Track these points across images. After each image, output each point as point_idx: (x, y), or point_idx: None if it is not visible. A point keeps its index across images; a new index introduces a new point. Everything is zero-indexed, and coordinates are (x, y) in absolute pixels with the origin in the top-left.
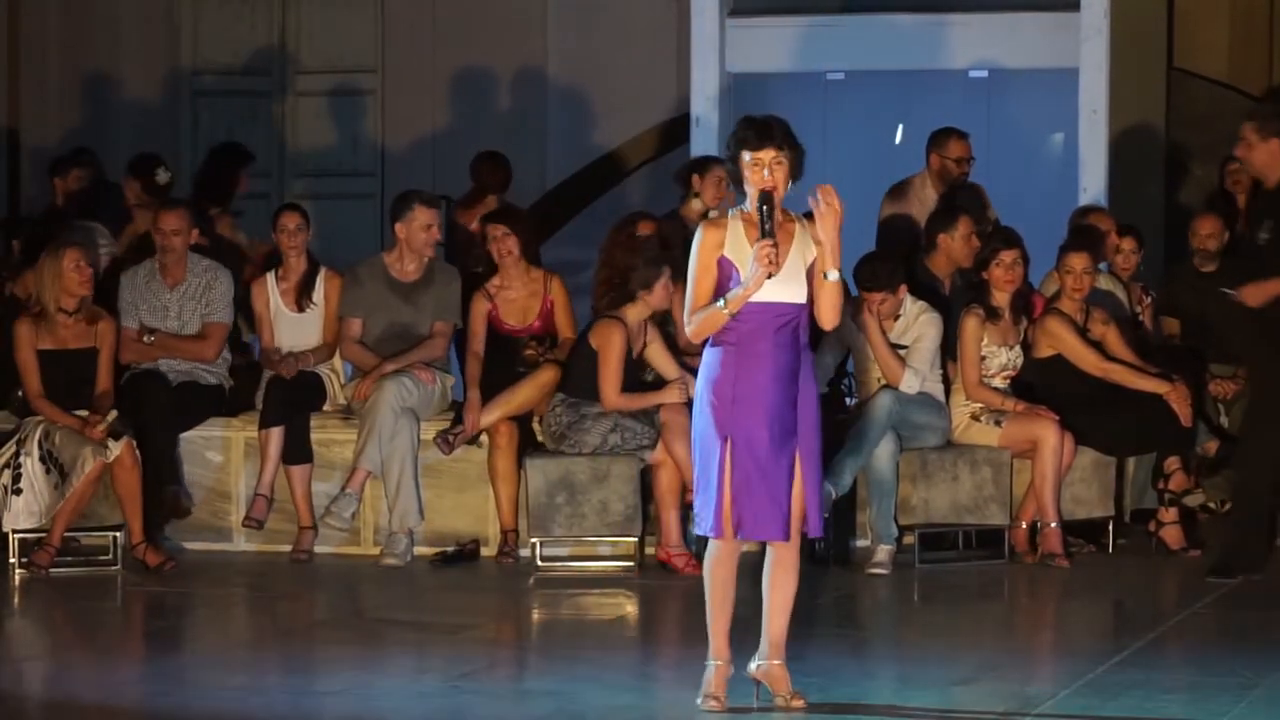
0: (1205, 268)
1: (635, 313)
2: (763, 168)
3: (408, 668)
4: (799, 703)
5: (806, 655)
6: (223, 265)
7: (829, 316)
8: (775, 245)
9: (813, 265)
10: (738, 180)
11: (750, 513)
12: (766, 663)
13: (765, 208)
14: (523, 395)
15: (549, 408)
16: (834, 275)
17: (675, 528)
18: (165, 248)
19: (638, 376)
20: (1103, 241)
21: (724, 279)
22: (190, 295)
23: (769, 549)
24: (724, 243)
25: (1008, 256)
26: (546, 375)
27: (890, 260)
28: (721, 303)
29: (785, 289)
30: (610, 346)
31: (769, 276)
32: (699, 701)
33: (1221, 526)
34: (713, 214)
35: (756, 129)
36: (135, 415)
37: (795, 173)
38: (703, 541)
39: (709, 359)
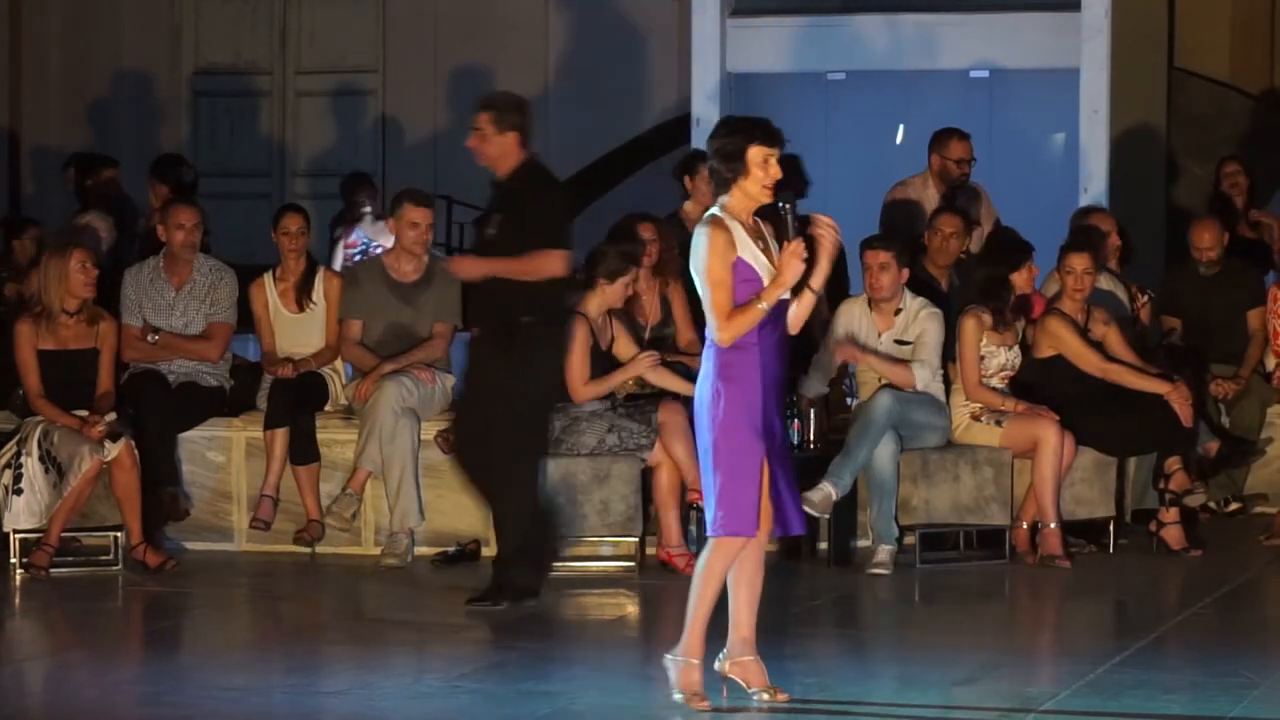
0: (1208, 272)
1: (595, 304)
2: (774, 164)
3: (408, 668)
4: (782, 696)
5: (807, 655)
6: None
7: (798, 327)
8: (803, 244)
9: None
10: (730, 177)
11: (782, 508)
12: (742, 659)
13: (790, 206)
14: None
15: None
16: (819, 290)
17: (676, 528)
18: (176, 243)
19: (610, 369)
20: (1104, 242)
21: (739, 280)
22: (195, 295)
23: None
24: (734, 244)
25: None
26: None
27: (894, 235)
28: (760, 301)
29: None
30: (573, 340)
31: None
32: (681, 699)
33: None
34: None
35: (766, 127)
36: (134, 415)
37: None
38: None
39: (732, 359)
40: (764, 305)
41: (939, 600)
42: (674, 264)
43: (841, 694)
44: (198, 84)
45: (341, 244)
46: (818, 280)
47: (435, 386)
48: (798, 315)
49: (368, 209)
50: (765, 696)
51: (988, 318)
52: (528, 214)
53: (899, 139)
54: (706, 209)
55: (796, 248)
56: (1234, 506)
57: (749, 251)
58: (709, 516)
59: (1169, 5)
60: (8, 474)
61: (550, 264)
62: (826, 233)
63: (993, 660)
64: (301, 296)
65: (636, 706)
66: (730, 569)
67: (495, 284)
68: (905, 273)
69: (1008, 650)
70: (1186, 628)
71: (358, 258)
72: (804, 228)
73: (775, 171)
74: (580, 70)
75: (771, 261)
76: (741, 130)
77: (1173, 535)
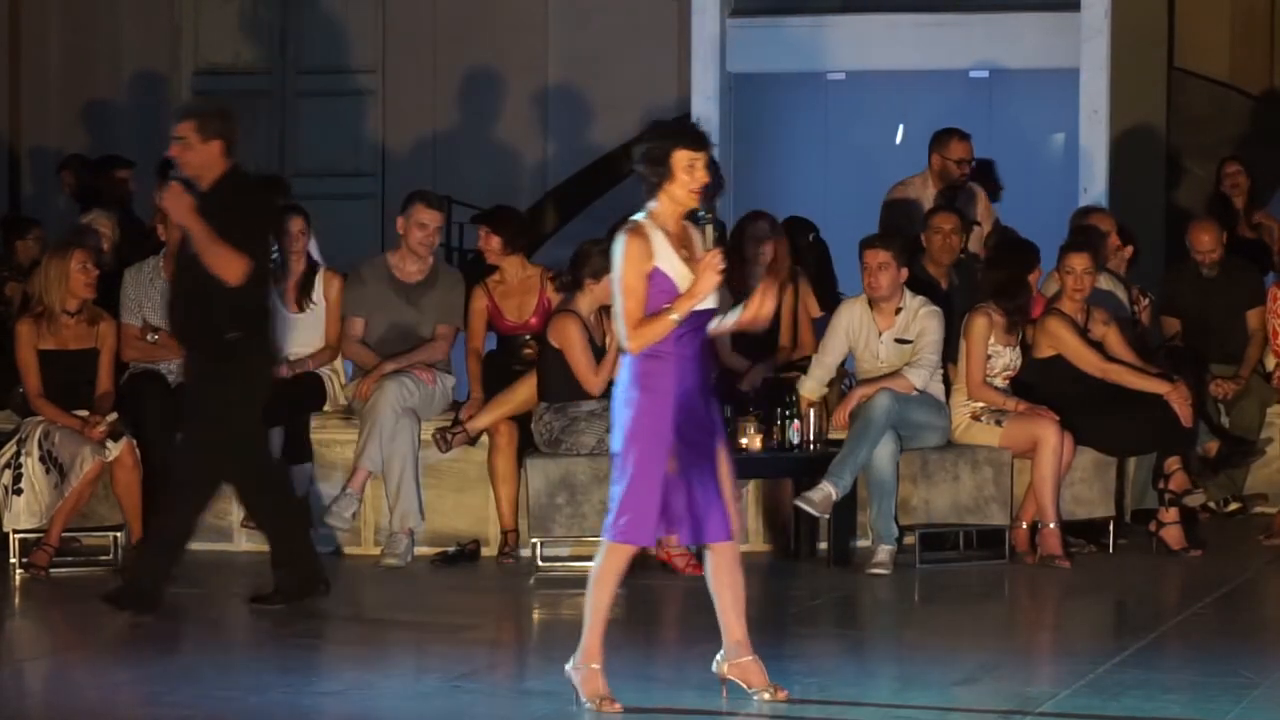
0: (1208, 273)
1: (586, 303)
2: (699, 169)
3: (408, 668)
4: (783, 694)
5: (807, 655)
6: None
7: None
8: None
9: None
10: (655, 182)
11: (695, 517)
12: (740, 661)
13: (707, 213)
14: (521, 394)
15: (536, 417)
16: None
17: None
18: (174, 242)
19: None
20: (1104, 242)
21: (655, 290)
22: None
23: (711, 552)
24: (653, 254)
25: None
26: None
27: (893, 235)
28: (671, 312)
29: (713, 295)
30: (570, 339)
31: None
32: (591, 707)
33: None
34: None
35: (692, 131)
36: (134, 416)
37: None
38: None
39: (647, 368)
40: (674, 316)
41: (939, 600)
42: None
43: (841, 694)
44: (198, 84)
45: None
46: (681, 307)
47: (436, 387)
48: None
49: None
50: (766, 696)
51: (999, 318)
52: (226, 222)
53: (899, 139)
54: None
55: (712, 259)
56: (1234, 506)
57: (667, 260)
58: (608, 520)
59: (1169, 5)
60: (7, 474)
61: (229, 264)
62: (712, 260)
63: (992, 660)
64: (301, 297)
65: (636, 705)
66: (620, 576)
67: (199, 300)
68: (904, 272)
69: (1007, 650)
70: (1186, 628)
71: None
72: (724, 239)
73: (701, 176)
74: (580, 70)
75: (694, 271)
76: (667, 134)
77: (1172, 535)
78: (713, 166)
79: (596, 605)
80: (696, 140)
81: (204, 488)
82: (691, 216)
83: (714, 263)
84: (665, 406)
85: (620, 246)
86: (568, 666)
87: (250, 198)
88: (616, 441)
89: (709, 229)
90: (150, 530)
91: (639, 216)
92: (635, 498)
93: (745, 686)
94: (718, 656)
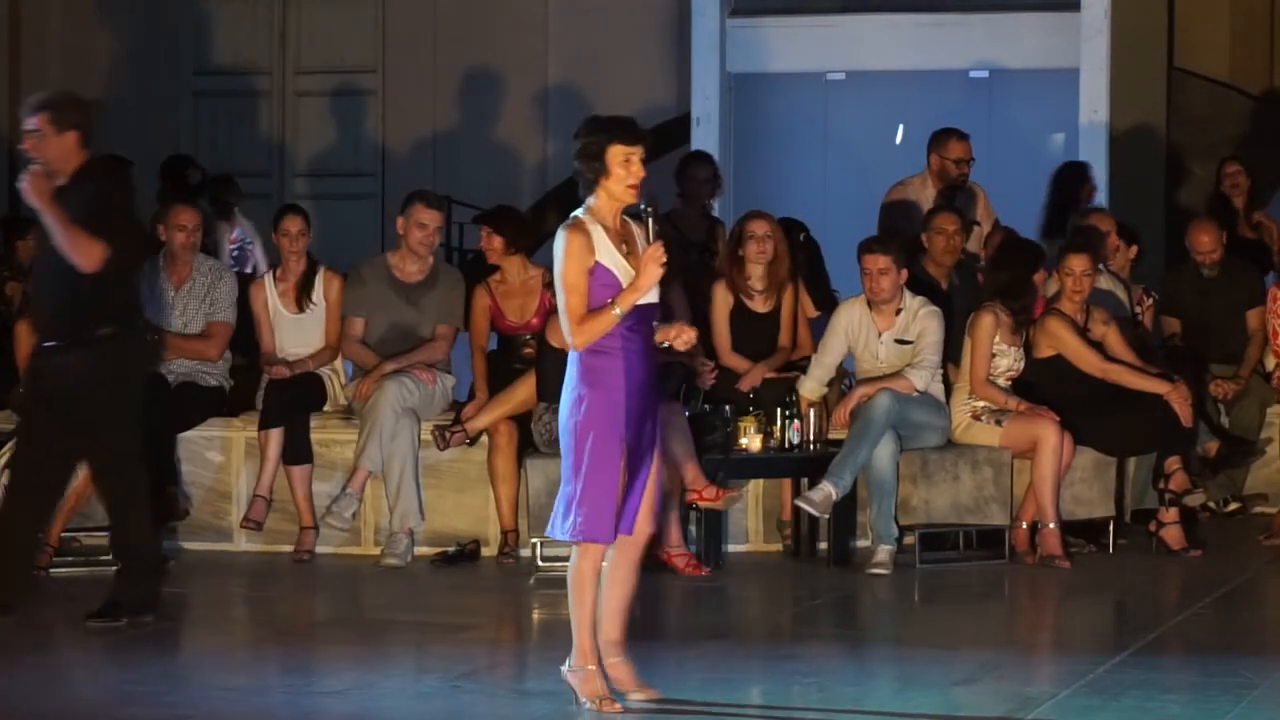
0: (1208, 273)
1: None
2: (635, 163)
3: (408, 668)
4: (653, 692)
5: (807, 655)
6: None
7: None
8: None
9: None
10: (592, 177)
11: (632, 511)
12: (612, 660)
13: (649, 207)
14: (520, 394)
15: (535, 417)
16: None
17: (675, 528)
18: (176, 243)
19: None
20: (1103, 242)
21: (598, 285)
22: (194, 295)
23: (615, 549)
24: (594, 248)
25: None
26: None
27: (892, 236)
28: (614, 307)
29: (655, 290)
30: None
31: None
32: (591, 707)
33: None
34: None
35: (626, 125)
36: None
37: None
38: (710, 542)
39: (595, 364)
40: (617, 311)
41: (939, 600)
42: (672, 263)
43: (841, 694)
44: (197, 84)
45: (226, 241)
46: (624, 301)
47: (436, 387)
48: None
49: (235, 206)
50: (639, 696)
51: (1006, 317)
52: (84, 209)
53: (898, 139)
54: (702, 211)
55: (654, 252)
56: (1234, 506)
57: (608, 255)
58: (565, 521)
59: (1168, 5)
60: (7, 474)
61: (85, 250)
62: (654, 252)
63: (992, 660)
64: (301, 297)
65: (635, 705)
66: (597, 572)
67: (67, 294)
68: (904, 274)
69: (1007, 650)
70: (1186, 628)
71: (236, 253)
72: (664, 232)
73: (637, 170)
74: (580, 70)
75: (635, 265)
76: (602, 129)
77: (1172, 535)
78: (710, 164)
79: (578, 607)
80: (631, 135)
81: (138, 486)
82: (630, 211)
83: (656, 255)
84: (617, 402)
85: (561, 242)
86: (563, 669)
87: (110, 186)
88: (565, 440)
89: (650, 222)
90: (120, 533)
91: (578, 212)
92: (591, 495)
93: (617, 687)
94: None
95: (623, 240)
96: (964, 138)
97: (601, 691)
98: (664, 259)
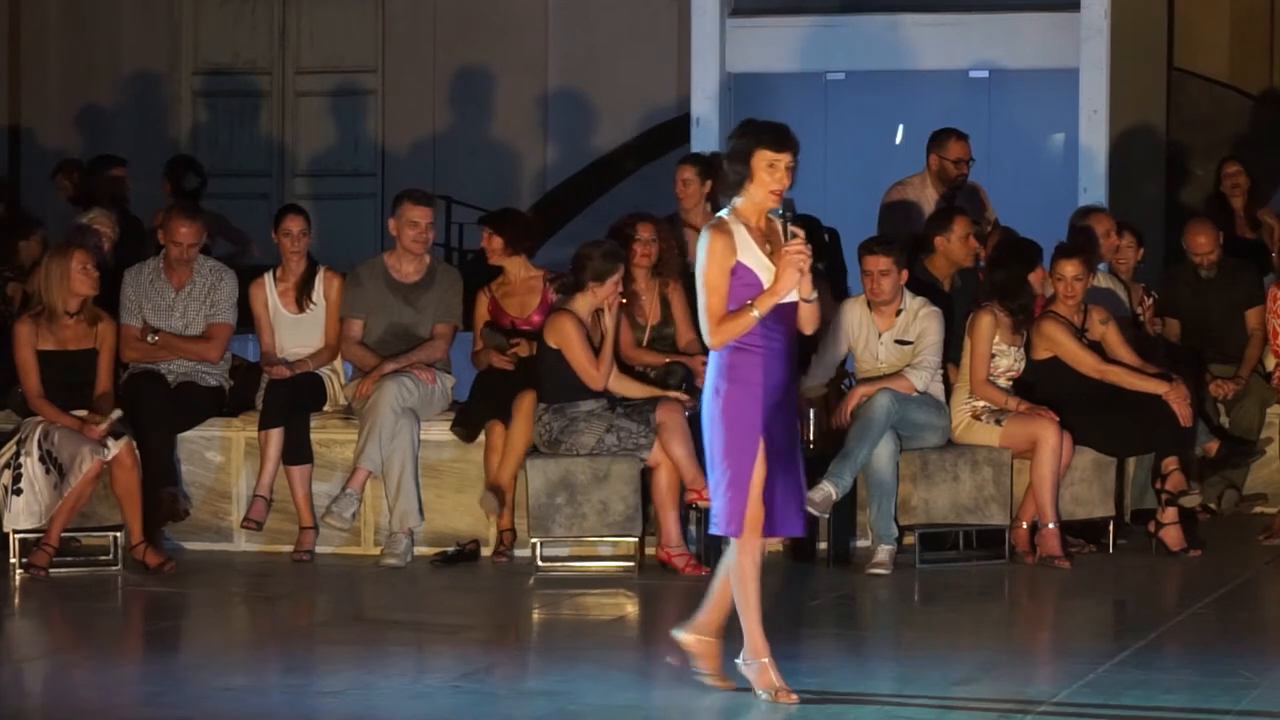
0: (1206, 274)
1: (585, 303)
2: (780, 170)
3: (408, 668)
4: (732, 684)
5: (807, 655)
6: (228, 267)
7: (810, 327)
8: (805, 249)
9: None
10: (738, 181)
11: (779, 510)
12: (706, 639)
13: (788, 212)
14: (520, 437)
15: (535, 417)
16: (814, 296)
17: (675, 528)
18: (173, 254)
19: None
20: (1097, 245)
21: (740, 284)
22: (195, 296)
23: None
24: (735, 248)
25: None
26: (526, 401)
27: (893, 238)
28: (753, 309)
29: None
30: (569, 338)
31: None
32: (767, 698)
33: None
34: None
35: (775, 131)
36: (133, 416)
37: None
38: (710, 541)
39: (735, 360)
40: (755, 314)
41: (938, 600)
42: (674, 264)
43: (841, 693)
44: (197, 84)
45: None
46: (805, 289)
47: (436, 387)
48: (804, 320)
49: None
50: (712, 681)
51: (1004, 317)
52: None
53: (898, 139)
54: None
55: (792, 256)
56: (1232, 506)
57: (750, 255)
58: (716, 516)
59: (1168, 6)
60: (7, 474)
61: None
62: (792, 256)
63: (992, 660)
64: (302, 297)
65: (636, 706)
66: (758, 567)
67: None
68: (904, 274)
69: (1007, 650)
70: (1186, 628)
71: None
72: (805, 235)
73: (780, 176)
74: (580, 70)
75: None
76: (751, 133)
77: (1171, 535)
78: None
79: (742, 602)
80: (779, 141)
81: None
82: (771, 214)
83: (794, 259)
84: (755, 396)
85: (704, 242)
86: (737, 660)
87: None
88: (706, 435)
89: (784, 226)
90: None
91: (723, 213)
92: (726, 490)
93: (697, 662)
94: (684, 623)
95: (767, 240)
96: (963, 138)
97: (777, 683)
98: (802, 262)
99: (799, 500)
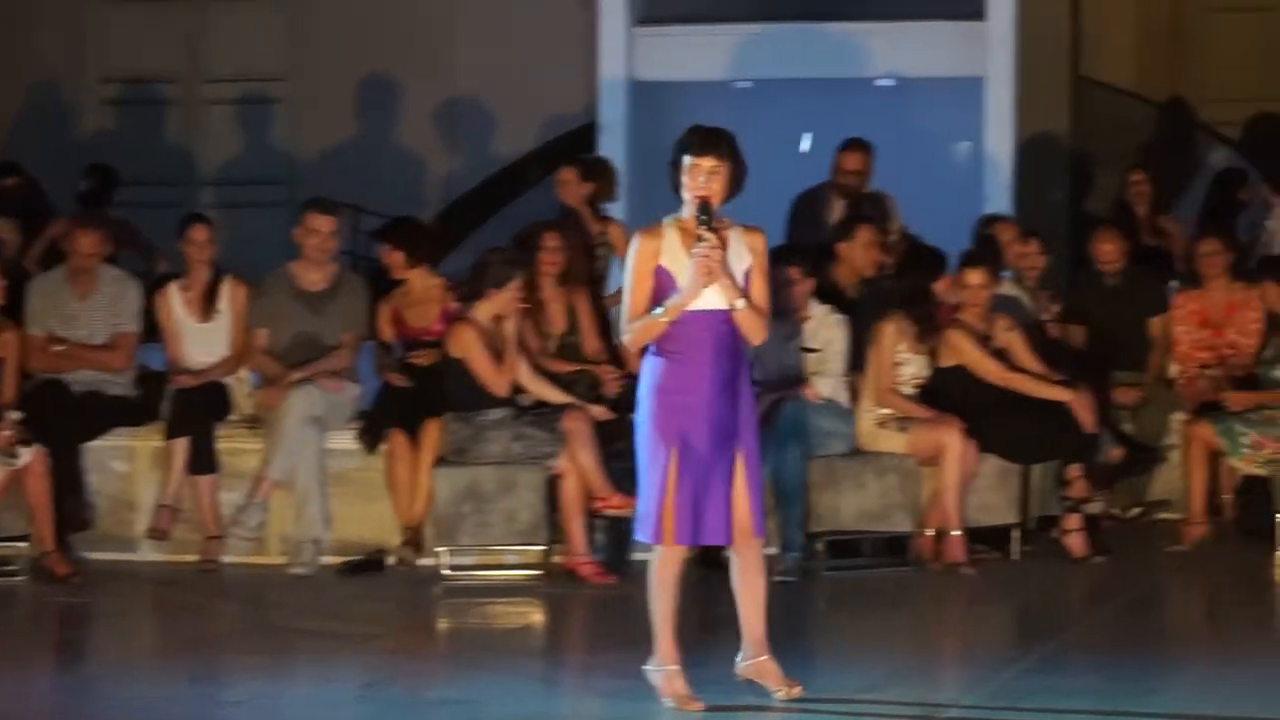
0: (1111, 281)
1: (486, 310)
2: (700, 174)
3: (315, 677)
4: (797, 689)
5: (711, 663)
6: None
7: (756, 340)
8: (714, 253)
9: (748, 272)
10: (675, 186)
11: (696, 519)
12: (754, 660)
13: (703, 216)
14: (427, 471)
15: (443, 426)
16: (740, 304)
17: (582, 536)
18: (74, 264)
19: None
20: (1001, 253)
21: (661, 288)
22: (99, 305)
23: (733, 553)
24: (660, 251)
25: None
26: (431, 431)
27: (800, 248)
28: (660, 311)
29: (722, 296)
30: (468, 345)
31: (705, 285)
32: (673, 705)
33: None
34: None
35: (701, 136)
36: (38, 425)
37: (735, 186)
38: (612, 550)
39: (652, 367)
40: (664, 318)
41: (845, 607)
42: (581, 272)
43: (745, 702)
44: (104, 92)
45: None
46: (731, 295)
47: (342, 396)
48: (745, 329)
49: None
50: (781, 694)
51: (909, 325)
52: None
53: (805, 148)
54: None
55: (701, 262)
56: (1135, 512)
57: (672, 259)
58: (637, 522)
59: (1074, 15)
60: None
61: None
62: (699, 260)
63: (899, 666)
64: (207, 306)
65: (543, 714)
66: (671, 575)
67: None
68: (811, 283)
69: (913, 656)
70: (1090, 633)
71: None
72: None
73: (698, 181)
74: (489, 78)
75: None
76: (681, 139)
77: (1076, 542)
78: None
79: (656, 607)
80: (699, 145)
81: None
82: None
83: (700, 262)
84: (673, 405)
85: (632, 244)
86: (645, 666)
87: None
88: (637, 442)
89: (701, 231)
90: None
91: (667, 218)
92: (645, 497)
93: (763, 684)
94: (738, 658)
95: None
96: (860, 148)
97: (682, 690)
98: (712, 265)
99: (727, 511)
